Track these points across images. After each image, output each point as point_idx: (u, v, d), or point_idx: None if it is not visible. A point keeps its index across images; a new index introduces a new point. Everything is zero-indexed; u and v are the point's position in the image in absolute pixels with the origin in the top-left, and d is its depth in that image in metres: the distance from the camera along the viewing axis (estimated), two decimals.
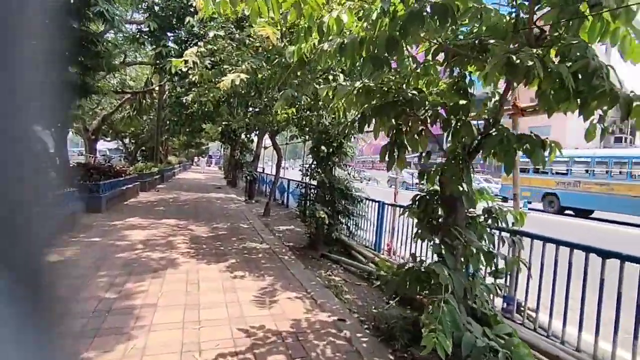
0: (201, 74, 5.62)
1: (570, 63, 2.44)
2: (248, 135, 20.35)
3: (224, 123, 17.81)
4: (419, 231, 3.54)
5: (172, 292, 3.80)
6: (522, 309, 3.33)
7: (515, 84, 3.00)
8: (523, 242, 3.22)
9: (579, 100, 2.54)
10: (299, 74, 5.04)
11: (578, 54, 2.39)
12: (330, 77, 4.38)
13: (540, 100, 2.76)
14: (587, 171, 15.19)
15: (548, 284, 3.05)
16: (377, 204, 6.04)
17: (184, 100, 7.49)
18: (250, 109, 10.35)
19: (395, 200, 5.78)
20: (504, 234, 3.39)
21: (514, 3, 2.84)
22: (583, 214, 15.08)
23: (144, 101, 20.99)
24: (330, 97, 3.39)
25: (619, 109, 2.36)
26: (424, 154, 3.31)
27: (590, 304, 2.70)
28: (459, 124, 2.87)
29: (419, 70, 3.58)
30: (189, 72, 5.91)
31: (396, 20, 2.70)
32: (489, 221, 3.32)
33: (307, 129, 7.94)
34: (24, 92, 0.46)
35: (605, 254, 2.57)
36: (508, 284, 3.44)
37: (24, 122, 0.46)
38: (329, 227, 5.79)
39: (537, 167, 3.09)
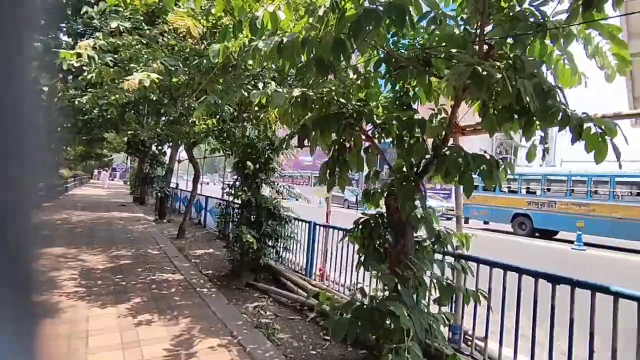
0: (99, 72, 4.63)
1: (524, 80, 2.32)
2: (159, 147, 18.57)
3: (130, 132, 15.93)
4: (363, 259, 3.19)
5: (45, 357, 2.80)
6: (469, 338, 3.16)
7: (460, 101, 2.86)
8: (470, 268, 3.07)
9: (522, 120, 2.46)
10: (221, 80, 4.44)
11: (532, 71, 2.29)
12: (260, 85, 3.87)
13: (485, 120, 2.64)
14: (570, 190, 13.90)
15: (497, 311, 2.90)
16: (307, 224, 5.61)
17: (77, 103, 6.20)
18: (164, 117, 9.22)
19: (328, 220, 5.41)
20: (448, 259, 3.21)
21: (463, 16, 2.71)
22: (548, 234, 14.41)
23: None
24: (263, 105, 2.90)
25: (570, 131, 2.31)
26: (371, 173, 2.98)
27: (542, 332, 2.58)
28: (411, 141, 2.60)
29: (359, 82, 3.31)
30: (84, 68, 4.86)
31: (344, 19, 2.34)
32: (435, 246, 3.11)
33: (229, 142, 7.26)
34: None
35: (555, 280, 2.46)
36: (453, 311, 3.24)
37: None
38: (256, 252, 5.15)
39: (488, 188, 2.93)
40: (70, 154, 33.70)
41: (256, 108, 5.87)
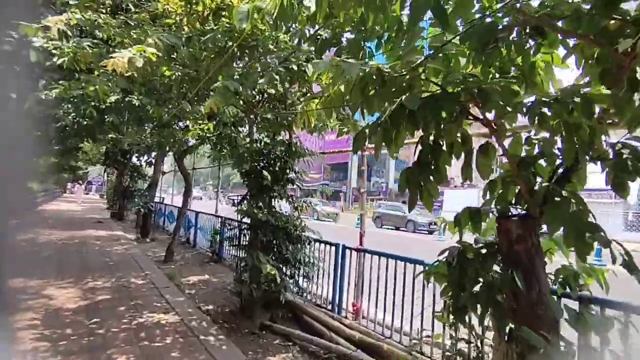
0: (74, 55, 3.55)
1: None
2: (140, 158, 17.20)
3: (110, 141, 14.57)
4: (454, 304, 2.23)
5: None
6: None
7: None
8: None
9: None
10: (239, 63, 3.46)
11: None
12: (295, 67, 2.91)
13: None
14: None
15: None
16: (334, 247, 4.59)
17: (44, 97, 5.07)
18: (150, 123, 8.06)
19: (362, 243, 4.41)
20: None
21: None
22: None
23: None
24: (328, 80, 1.96)
25: None
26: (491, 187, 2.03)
27: None
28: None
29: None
30: (54, 52, 3.77)
31: None
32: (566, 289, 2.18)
33: (229, 148, 6.22)
34: None
35: None
36: None
37: None
38: (275, 285, 4.08)
39: None
40: (41, 166, 31.64)
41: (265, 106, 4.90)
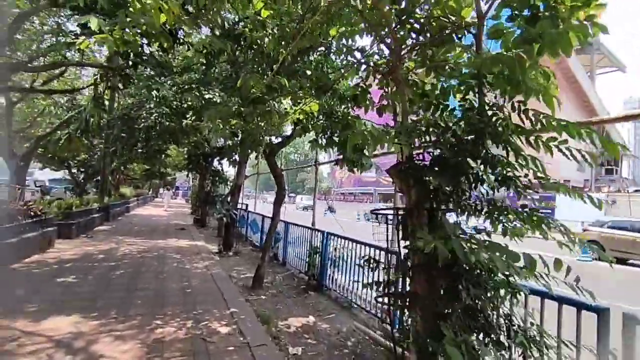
0: None
1: None
2: (221, 162, 16.40)
3: (191, 143, 13.82)
4: None
5: None
6: None
7: None
8: None
9: None
10: None
11: None
12: None
13: None
14: None
15: None
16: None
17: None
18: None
19: None
20: None
21: None
22: None
23: (93, 116, 15.93)
24: None
25: None
26: None
27: None
28: None
29: None
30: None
31: None
32: None
33: (345, 134, 4.21)
34: None
35: None
36: None
37: None
38: None
39: None
40: (135, 173, 33.67)
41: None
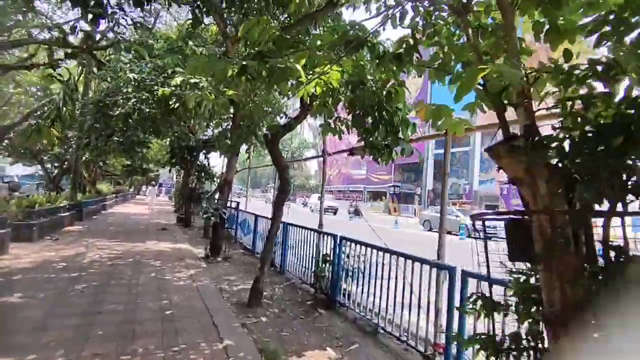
0: None
1: None
2: (207, 156, 15.13)
3: (175, 134, 12.51)
4: None
5: None
6: None
7: None
8: None
9: None
10: None
11: None
12: None
13: None
14: None
15: None
16: None
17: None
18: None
19: None
20: None
21: None
22: None
23: (66, 104, 14.14)
24: None
25: None
26: None
27: None
28: None
29: None
30: None
31: None
32: None
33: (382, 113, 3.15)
34: None
35: None
36: None
37: None
38: None
39: None
40: (115, 168, 31.71)
41: None
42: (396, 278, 3.83)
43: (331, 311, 4.78)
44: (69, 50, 11.71)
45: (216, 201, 7.77)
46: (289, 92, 3.25)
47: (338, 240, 4.94)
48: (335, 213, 28.92)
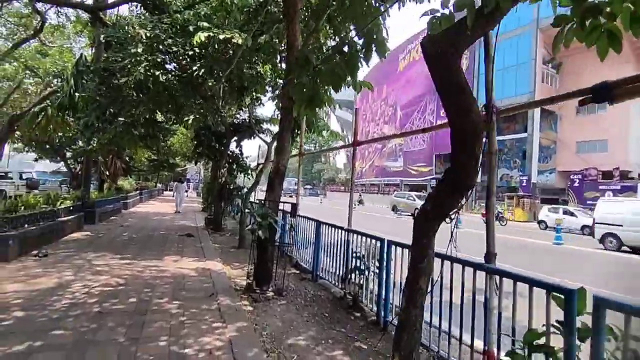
0: None
1: None
2: (240, 144, 12.53)
3: (201, 110, 9.83)
4: None
5: None
6: None
7: None
8: None
9: None
10: None
11: None
12: None
13: None
14: None
15: None
16: None
17: None
18: None
19: None
20: None
21: None
22: None
23: (78, 89, 11.37)
24: None
25: None
26: None
27: None
28: None
29: None
30: None
31: None
32: None
33: None
34: None
35: None
36: None
37: None
38: None
39: None
40: (141, 163, 29.80)
41: None
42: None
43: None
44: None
45: (263, 203, 4.95)
46: None
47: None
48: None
